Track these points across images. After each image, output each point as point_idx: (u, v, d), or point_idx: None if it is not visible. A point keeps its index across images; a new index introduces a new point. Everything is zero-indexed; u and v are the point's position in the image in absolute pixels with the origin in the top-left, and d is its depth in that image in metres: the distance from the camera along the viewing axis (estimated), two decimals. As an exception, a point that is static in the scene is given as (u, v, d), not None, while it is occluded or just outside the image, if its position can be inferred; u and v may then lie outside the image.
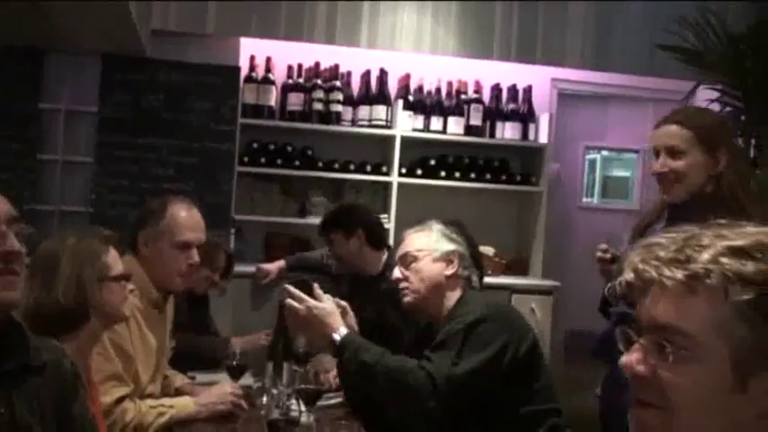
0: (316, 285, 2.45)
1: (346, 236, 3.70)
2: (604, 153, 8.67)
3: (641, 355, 0.98)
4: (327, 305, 2.37)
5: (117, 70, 4.72)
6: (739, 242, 0.97)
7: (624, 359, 1.00)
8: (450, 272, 2.55)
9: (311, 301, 2.34)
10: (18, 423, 1.45)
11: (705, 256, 0.97)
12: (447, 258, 2.57)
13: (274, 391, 2.56)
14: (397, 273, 2.63)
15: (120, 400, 2.39)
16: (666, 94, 5.10)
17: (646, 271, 1.01)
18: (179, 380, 3.00)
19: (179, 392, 2.89)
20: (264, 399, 2.65)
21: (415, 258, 2.61)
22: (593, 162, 8.85)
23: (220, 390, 2.77)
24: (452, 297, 2.56)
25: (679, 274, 0.98)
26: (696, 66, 3.65)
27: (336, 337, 2.30)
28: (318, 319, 2.33)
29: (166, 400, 2.67)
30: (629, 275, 1.03)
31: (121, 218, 4.45)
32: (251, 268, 4.76)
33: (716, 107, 3.89)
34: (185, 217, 2.71)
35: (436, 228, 2.63)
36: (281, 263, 4.51)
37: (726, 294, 0.92)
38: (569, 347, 6.01)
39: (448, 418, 2.24)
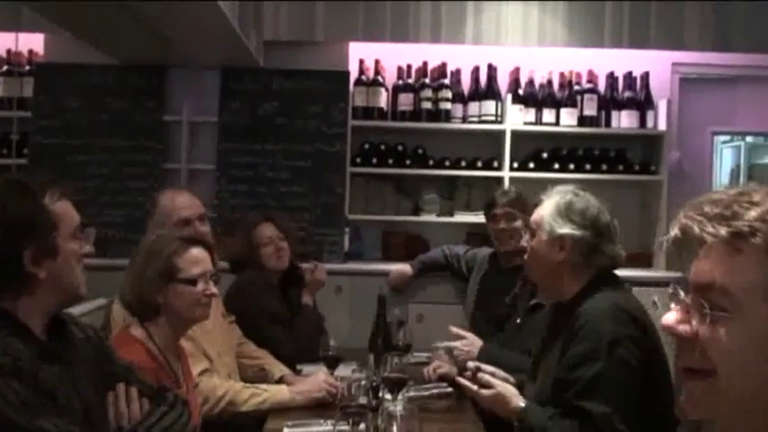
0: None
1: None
2: (749, 140, 8.22)
3: (683, 314, 0.94)
4: (508, 388, 2.42)
5: (233, 81, 4.97)
6: None
7: (665, 319, 0.96)
8: (561, 257, 2.40)
9: (498, 385, 2.41)
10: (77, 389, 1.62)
11: (753, 213, 0.92)
12: (559, 243, 2.40)
13: (363, 382, 2.62)
14: (524, 241, 2.60)
15: (203, 373, 2.55)
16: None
17: (690, 227, 0.97)
18: (278, 371, 3.13)
19: (280, 383, 3.03)
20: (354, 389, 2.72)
21: (533, 232, 2.48)
22: (737, 149, 8.41)
23: (315, 379, 2.88)
24: (573, 285, 2.40)
25: (722, 231, 0.93)
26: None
27: (519, 410, 2.34)
28: (502, 396, 2.38)
29: (262, 386, 2.81)
30: (675, 231, 1.00)
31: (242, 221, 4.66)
32: (369, 266, 4.88)
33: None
34: (175, 201, 2.97)
35: (557, 200, 2.44)
36: (406, 268, 4.57)
37: None
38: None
39: None
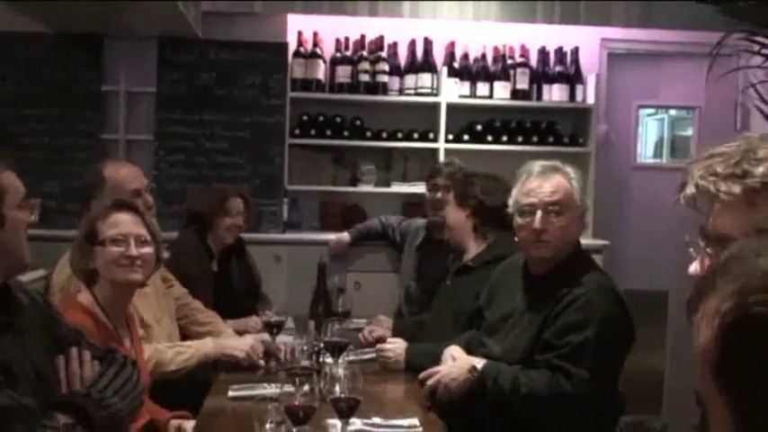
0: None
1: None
2: (672, 113, 8.53)
3: (705, 262, 0.98)
4: (456, 365, 2.55)
5: (172, 52, 4.97)
6: None
7: (692, 269, 1.00)
8: (581, 231, 2.50)
9: (443, 368, 2.57)
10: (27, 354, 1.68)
11: (761, 169, 1.01)
12: (582, 218, 2.48)
13: (305, 347, 2.73)
14: (537, 222, 2.44)
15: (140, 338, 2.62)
16: (720, 48, 5.01)
17: (705, 186, 1.05)
18: (224, 328, 3.23)
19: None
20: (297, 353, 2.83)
21: (563, 210, 2.44)
22: (661, 121, 8.72)
23: (242, 339, 2.97)
24: (568, 250, 2.50)
25: (737, 189, 1.02)
26: (732, 15, 3.59)
27: (476, 372, 2.48)
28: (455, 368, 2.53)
29: (187, 342, 2.90)
30: (690, 189, 1.08)
31: (180, 192, 4.71)
32: (307, 236, 4.98)
33: (757, 59, 3.84)
34: (123, 172, 3.02)
35: (575, 177, 2.47)
36: (344, 236, 4.68)
37: None
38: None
39: None
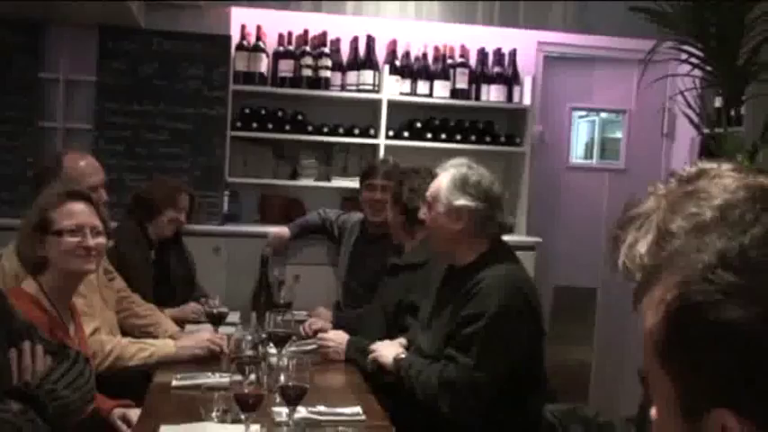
0: None
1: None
2: (603, 115, 8.80)
3: None
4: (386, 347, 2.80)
5: (113, 41, 4.91)
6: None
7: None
8: (458, 227, 2.62)
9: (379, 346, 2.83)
10: None
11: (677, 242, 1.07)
12: (456, 214, 2.61)
13: (249, 337, 2.79)
14: (422, 213, 2.77)
15: (94, 331, 2.65)
16: (652, 56, 5.22)
17: (632, 270, 1.14)
18: (164, 331, 3.26)
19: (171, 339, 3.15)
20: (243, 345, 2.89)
21: (430, 205, 2.69)
22: (592, 123, 8.98)
23: (199, 336, 3.02)
24: (469, 252, 2.63)
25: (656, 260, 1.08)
26: (662, 24, 3.76)
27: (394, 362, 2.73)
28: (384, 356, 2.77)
29: (149, 341, 2.93)
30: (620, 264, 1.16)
31: (119, 182, 4.67)
32: (246, 228, 5.01)
33: (685, 67, 4.03)
34: (83, 165, 3.04)
35: (452, 174, 2.64)
36: (284, 230, 4.70)
37: None
38: (556, 303, 6.22)
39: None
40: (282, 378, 2.25)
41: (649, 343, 0.75)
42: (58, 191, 2.44)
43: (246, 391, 2.08)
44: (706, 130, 3.70)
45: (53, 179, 2.93)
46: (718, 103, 3.99)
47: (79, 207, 2.40)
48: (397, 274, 3.31)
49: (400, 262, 3.31)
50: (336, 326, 3.41)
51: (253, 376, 2.31)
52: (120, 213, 3.96)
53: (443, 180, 2.66)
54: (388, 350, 2.79)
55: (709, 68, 3.77)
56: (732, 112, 3.94)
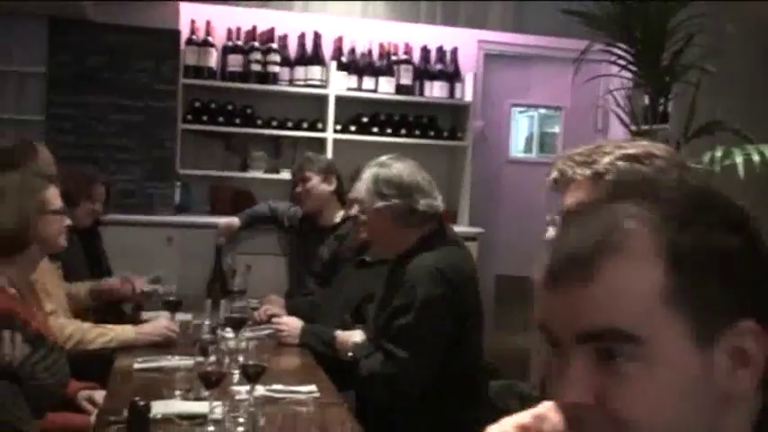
0: None
1: (323, 178, 4.07)
2: (541, 111, 9.10)
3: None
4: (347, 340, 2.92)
5: (62, 33, 4.97)
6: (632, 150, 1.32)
7: (548, 234, 1.10)
8: (386, 225, 2.71)
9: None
10: None
11: (606, 159, 1.33)
12: (378, 214, 2.72)
13: (207, 322, 2.93)
14: (353, 211, 2.95)
15: (51, 313, 2.75)
16: (584, 56, 5.48)
17: (564, 170, 1.36)
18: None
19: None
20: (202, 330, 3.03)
21: (355, 206, 2.89)
22: (532, 118, 9.29)
23: (158, 323, 3.15)
24: (403, 243, 2.71)
25: (587, 171, 1.33)
26: (593, 27, 3.97)
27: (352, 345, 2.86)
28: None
29: (109, 326, 3.05)
30: (554, 174, 1.40)
31: (71, 173, 4.73)
32: (197, 219, 5.12)
33: (615, 67, 4.27)
34: (46, 155, 3.15)
35: (366, 178, 2.74)
36: (234, 220, 4.81)
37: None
38: (498, 291, 6.46)
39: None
40: (242, 358, 2.40)
41: (648, 298, 0.72)
42: (42, 174, 2.54)
43: (210, 369, 2.22)
44: (633, 128, 3.93)
45: (25, 162, 3.00)
46: (646, 101, 4.24)
47: (57, 190, 2.53)
48: (365, 267, 3.43)
49: (369, 258, 3.42)
50: (290, 312, 3.55)
51: (213, 357, 2.47)
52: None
53: (361, 185, 2.78)
54: (356, 338, 2.94)
55: (635, 69, 4.00)
56: (660, 110, 4.20)
